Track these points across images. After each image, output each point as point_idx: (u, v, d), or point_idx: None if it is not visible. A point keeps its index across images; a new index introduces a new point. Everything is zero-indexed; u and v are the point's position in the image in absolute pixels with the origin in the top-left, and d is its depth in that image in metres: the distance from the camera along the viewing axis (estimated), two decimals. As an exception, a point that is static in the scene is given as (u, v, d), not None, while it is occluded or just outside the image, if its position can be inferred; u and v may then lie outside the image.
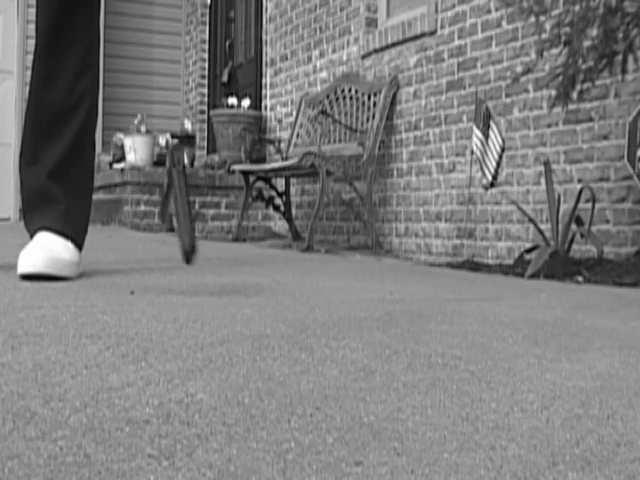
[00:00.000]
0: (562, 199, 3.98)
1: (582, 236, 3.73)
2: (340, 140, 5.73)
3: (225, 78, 8.29)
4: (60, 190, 2.49)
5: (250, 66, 7.95)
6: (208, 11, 8.81)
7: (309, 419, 1.07)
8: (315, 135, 5.87)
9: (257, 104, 7.40)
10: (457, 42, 4.88)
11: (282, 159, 6.15)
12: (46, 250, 2.29)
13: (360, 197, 5.30)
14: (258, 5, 7.71)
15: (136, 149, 7.03)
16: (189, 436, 0.98)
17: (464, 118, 4.79)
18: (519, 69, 4.29)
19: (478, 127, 4.34)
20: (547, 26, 3.60)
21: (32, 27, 7.87)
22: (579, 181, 4.00)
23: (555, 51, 3.64)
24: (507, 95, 4.49)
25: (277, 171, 5.70)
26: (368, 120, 5.49)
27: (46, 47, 2.44)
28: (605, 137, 3.89)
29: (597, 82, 3.53)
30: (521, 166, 4.39)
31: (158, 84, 8.75)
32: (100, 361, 1.27)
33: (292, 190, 6.32)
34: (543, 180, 4.00)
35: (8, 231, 5.53)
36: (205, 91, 8.78)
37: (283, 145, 6.47)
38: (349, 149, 5.47)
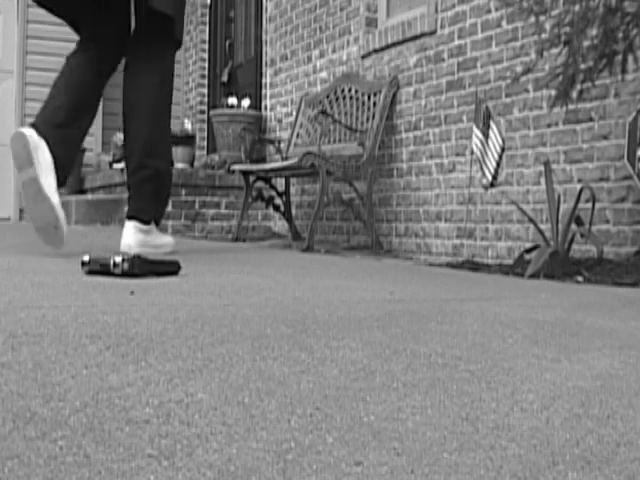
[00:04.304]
0: (562, 199, 3.98)
1: (582, 236, 3.73)
2: (340, 140, 5.73)
3: (225, 78, 8.29)
4: None
5: (250, 66, 7.95)
6: (208, 11, 8.81)
7: (309, 419, 1.07)
8: (315, 135, 5.87)
9: (257, 104, 7.40)
10: (457, 42, 4.88)
11: (282, 159, 6.15)
12: None
13: (360, 197, 5.29)
14: (258, 5, 7.71)
15: (136, 149, 7.02)
16: (189, 436, 0.98)
17: (464, 118, 4.79)
18: (519, 69, 4.29)
19: (478, 127, 4.34)
20: (547, 26, 3.60)
21: (32, 27, 7.85)
22: (579, 181, 4.00)
23: (555, 51, 3.64)
24: (507, 95, 4.49)
25: (277, 171, 5.70)
26: (368, 120, 5.49)
27: None
28: (605, 137, 3.89)
29: (597, 82, 3.53)
30: (521, 166, 4.39)
31: (158, 84, 8.74)
32: (100, 361, 1.27)
33: (292, 190, 6.31)
34: (543, 180, 4.00)
35: (8, 231, 5.53)
36: (205, 91, 8.78)
37: (283, 145, 6.47)
38: (349, 149, 5.47)
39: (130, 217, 3.28)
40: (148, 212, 3.30)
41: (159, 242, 3.34)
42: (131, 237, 3.24)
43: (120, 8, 3.21)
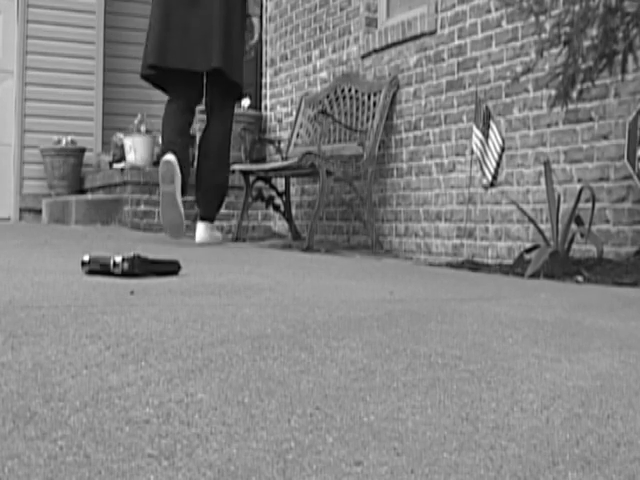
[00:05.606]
0: (562, 199, 3.98)
1: (582, 236, 3.73)
2: (340, 140, 5.73)
3: (225, 78, 8.28)
4: None
5: (250, 66, 7.95)
6: (208, 11, 8.80)
7: (309, 419, 1.07)
8: (315, 135, 5.87)
9: (257, 104, 7.40)
10: (457, 42, 4.89)
11: (282, 159, 6.15)
12: None
13: (360, 197, 5.29)
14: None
15: (136, 149, 7.02)
16: (189, 436, 0.98)
17: (464, 118, 4.79)
18: (519, 69, 4.29)
19: (478, 127, 4.34)
20: (547, 26, 3.60)
21: (32, 27, 7.88)
22: (579, 181, 4.00)
23: (555, 51, 3.64)
24: (507, 95, 4.49)
25: (277, 171, 5.70)
26: (368, 120, 5.48)
27: None
28: (605, 137, 3.89)
29: (597, 82, 3.53)
30: (521, 166, 4.39)
31: (158, 84, 8.73)
32: (100, 361, 1.27)
33: (292, 190, 6.31)
34: (543, 180, 4.00)
35: (8, 231, 5.53)
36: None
37: (283, 145, 6.47)
38: (349, 149, 5.47)
39: (202, 218, 4.68)
40: (213, 214, 4.72)
41: (216, 234, 4.83)
42: (202, 233, 4.65)
43: (198, 83, 4.74)
